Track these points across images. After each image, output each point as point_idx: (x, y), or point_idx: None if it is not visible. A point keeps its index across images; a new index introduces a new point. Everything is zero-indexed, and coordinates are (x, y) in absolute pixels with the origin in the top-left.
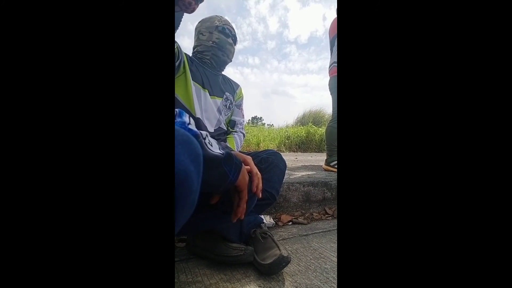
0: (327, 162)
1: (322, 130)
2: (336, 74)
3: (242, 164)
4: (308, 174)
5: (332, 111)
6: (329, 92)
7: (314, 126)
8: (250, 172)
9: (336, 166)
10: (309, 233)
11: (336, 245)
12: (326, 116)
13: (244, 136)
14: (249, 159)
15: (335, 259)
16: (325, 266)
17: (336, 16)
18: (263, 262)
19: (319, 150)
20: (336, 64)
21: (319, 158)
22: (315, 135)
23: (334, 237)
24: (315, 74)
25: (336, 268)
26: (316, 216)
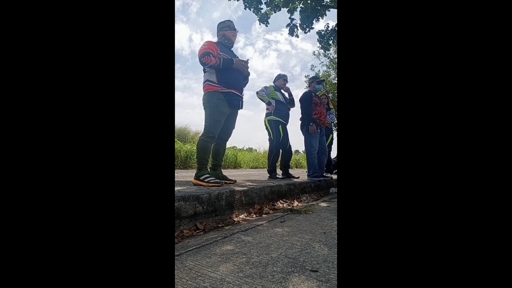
0: (197, 176)
1: (188, 146)
2: (209, 90)
3: None
4: (178, 190)
5: (204, 125)
6: (197, 110)
7: (179, 142)
8: None
9: (206, 180)
10: (182, 252)
11: (212, 259)
12: (191, 134)
13: None
14: None
15: (214, 275)
16: (204, 284)
17: (205, 40)
18: None
19: (184, 167)
20: (208, 82)
21: (186, 174)
22: (180, 152)
23: (209, 251)
24: (179, 91)
25: (217, 285)
26: (186, 233)
